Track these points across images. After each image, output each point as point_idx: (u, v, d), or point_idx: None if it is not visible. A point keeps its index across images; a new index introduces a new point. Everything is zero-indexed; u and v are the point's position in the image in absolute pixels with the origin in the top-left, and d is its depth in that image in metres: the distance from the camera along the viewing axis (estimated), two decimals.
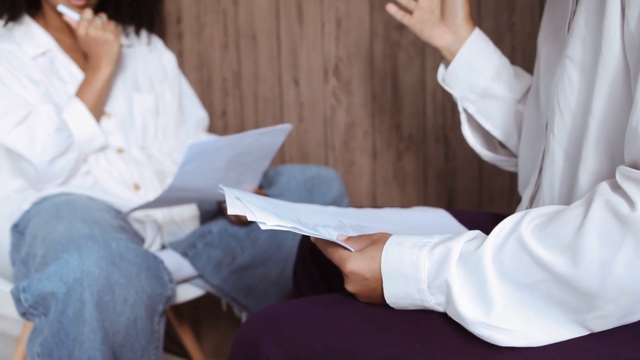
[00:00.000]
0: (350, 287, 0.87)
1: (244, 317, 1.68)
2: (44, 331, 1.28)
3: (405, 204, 1.79)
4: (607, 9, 0.79)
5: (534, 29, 1.57)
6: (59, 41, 1.70)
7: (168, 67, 1.85)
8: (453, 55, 1.19)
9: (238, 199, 0.91)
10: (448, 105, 1.69)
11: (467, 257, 0.78)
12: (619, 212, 0.69)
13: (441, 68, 1.23)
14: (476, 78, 1.17)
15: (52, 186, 1.57)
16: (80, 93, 1.61)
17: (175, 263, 1.58)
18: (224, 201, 0.90)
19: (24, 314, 1.31)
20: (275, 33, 1.90)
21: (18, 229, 1.55)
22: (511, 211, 1.18)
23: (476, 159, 1.68)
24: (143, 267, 1.35)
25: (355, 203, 1.85)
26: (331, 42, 1.82)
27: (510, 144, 1.20)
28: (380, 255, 0.84)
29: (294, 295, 1.27)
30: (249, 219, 0.85)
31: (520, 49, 1.59)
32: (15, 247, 1.55)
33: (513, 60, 1.59)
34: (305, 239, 1.25)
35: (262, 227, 0.84)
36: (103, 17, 1.67)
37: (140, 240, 1.60)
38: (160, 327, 1.40)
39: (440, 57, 1.66)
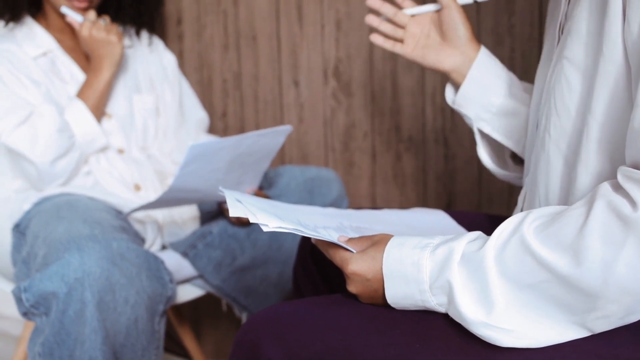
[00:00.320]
0: (352, 288, 0.87)
1: (244, 317, 1.68)
2: (45, 331, 1.28)
3: (404, 205, 1.79)
4: (608, 10, 0.79)
5: (533, 30, 1.58)
6: (60, 42, 1.70)
7: (168, 67, 1.86)
8: (463, 76, 1.16)
9: (239, 201, 0.91)
10: (447, 107, 1.69)
11: (469, 257, 0.78)
12: (621, 213, 0.69)
13: (449, 90, 1.20)
14: (489, 97, 1.15)
15: (53, 187, 1.58)
16: (81, 94, 1.61)
17: (176, 263, 1.59)
18: (225, 202, 0.91)
19: (25, 314, 1.31)
20: (276, 34, 1.90)
21: (19, 229, 1.55)
22: (510, 213, 1.18)
23: (475, 160, 1.68)
24: (144, 267, 1.35)
25: (355, 204, 1.85)
26: (331, 43, 1.83)
27: None
28: (382, 256, 0.84)
29: (294, 296, 1.28)
30: (251, 221, 0.85)
31: (519, 51, 1.59)
32: (17, 247, 1.55)
33: (513, 62, 1.60)
34: (305, 240, 1.25)
35: (264, 229, 0.84)
36: (107, 19, 1.67)
37: (141, 240, 1.60)
38: (160, 327, 1.40)
39: None
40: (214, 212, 1.74)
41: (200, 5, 2.00)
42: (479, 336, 0.77)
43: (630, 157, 0.73)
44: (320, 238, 0.88)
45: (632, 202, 0.69)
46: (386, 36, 1.24)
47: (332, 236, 0.91)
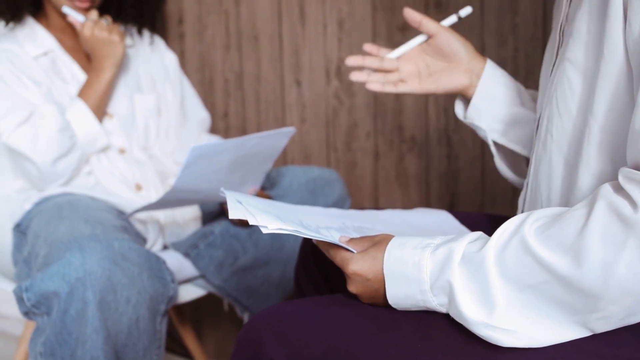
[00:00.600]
0: (352, 288, 0.87)
1: (245, 317, 1.68)
2: (47, 330, 1.28)
3: (407, 205, 1.79)
4: (609, 12, 0.79)
5: (537, 30, 1.57)
6: (61, 42, 1.70)
7: (170, 67, 1.86)
8: (472, 90, 1.15)
9: (239, 202, 0.91)
10: (450, 107, 1.69)
11: (469, 258, 0.78)
12: (621, 214, 0.69)
13: (458, 106, 1.19)
14: (500, 107, 1.14)
15: (54, 186, 1.58)
16: (83, 94, 1.61)
17: (178, 263, 1.59)
18: (226, 202, 0.91)
19: (26, 314, 1.31)
20: (278, 34, 1.90)
21: (20, 229, 1.55)
22: (513, 213, 1.18)
23: (479, 161, 1.68)
24: (145, 267, 1.35)
25: (358, 204, 1.85)
26: (333, 43, 1.83)
27: None
28: (383, 257, 0.84)
29: (296, 296, 1.28)
30: (251, 222, 0.85)
31: (523, 51, 1.59)
32: (18, 246, 1.55)
33: (516, 62, 1.60)
34: (306, 240, 1.25)
35: (264, 230, 0.84)
36: (109, 19, 1.67)
37: (143, 240, 1.60)
38: (162, 327, 1.40)
39: None
40: (216, 212, 1.74)
41: (202, 5, 2.00)
42: (480, 336, 0.77)
43: (631, 158, 0.73)
44: (321, 239, 0.87)
45: (633, 203, 0.69)
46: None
47: (333, 236, 0.91)
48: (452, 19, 1.16)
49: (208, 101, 2.03)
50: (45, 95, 1.58)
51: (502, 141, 1.15)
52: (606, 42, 0.79)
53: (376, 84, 1.16)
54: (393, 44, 1.72)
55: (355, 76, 1.17)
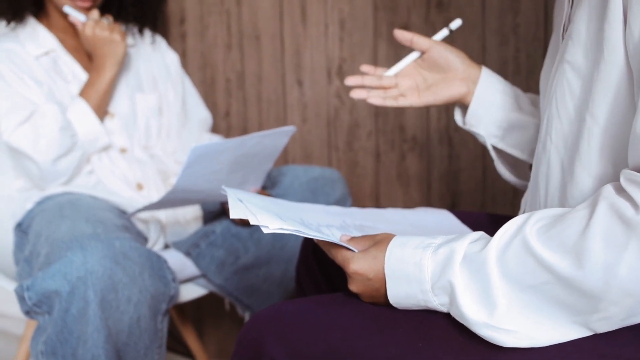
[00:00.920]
0: (353, 287, 0.87)
1: (247, 316, 1.68)
2: (48, 329, 1.28)
3: (408, 205, 1.79)
4: (608, 14, 0.78)
5: (538, 30, 1.57)
6: (63, 41, 1.70)
7: (171, 66, 1.86)
8: (470, 97, 1.16)
9: (240, 200, 0.91)
10: (451, 107, 1.69)
11: (471, 258, 0.78)
12: (623, 215, 0.69)
13: (457, 113, 1.20)
14: (498, 113, 1.15)
15: (55, 186, 1.58)
16: (84, 93, 1.61)
17: (179, 262, 1.59)
18: (227, 201, 0.91)
19: (27, 313, 1.31)
20: (279, 34, 1.90)
21: (21, 228, 1.55)
22: (514, 213, 1.18)
23: (480, 160, 1.68)
24: (146, 266, 1.35)
25: (359, 204, 1.85)
26: (335, 42, 1.83)
27: None
28: (384, 256, 0.84)
29: (297, 295, 1.28)
30: (252, 222, 0.85)
31: (524, 51, 1.59)
32: (19, 246, 1.55)
33: (517, 62, 1.60)
34: (308, 239, 1.25)
35: (265, 230, 0.84)
36: (110, 18, 1.67)
37: (144, 239, 1.60)
38: (163, 326, 1.40)
39: None
40: (217, 211, 1.74)
41: (204, 5, 2.00)
42: (481, 336, 0.77)
43: (632, 161, 0.73)
44: (322, 238, 0.87)
45: (634, 204, 0.69)
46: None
47: (334, 235, 0.91)
48: (444, 32, 1.18)
49: (209, 101, 2.03)
50: (46, 94, 1.59)
51: (501, 146, 1.17)
52: (606, 45, 0.79)
53: (377, 98, 1.18)
54: (394, 44, 1.72)
55: (356, 93, 1.18)
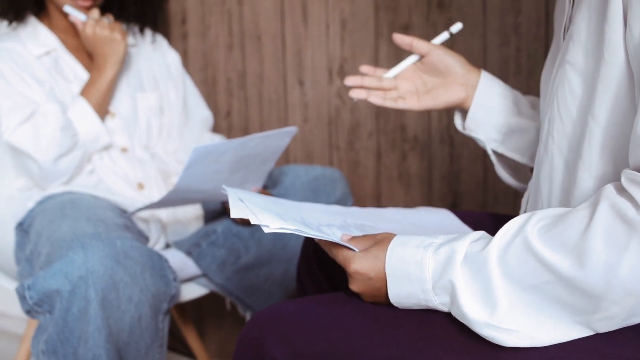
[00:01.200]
0: (354, 286, 0.87)
1: (247, 316, 1.68)
2: (49, 329, 1.28)
3: (409, 204, 1.79)
4: (608, 15, 0.78)
5: (539, 30, 1.57)
6: (64, 41, 1.70)
7: (172, 66, 1.86)
8: (470, 102, 1.16)
9: (241, 200, 0.91)
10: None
11: (472, 257, 0.78)
12: (625, 215, 0.69)
13: (457, 117, 1.21)
14: (498, 118, 1.15)
15: (56, 185, 1.58)
16: (85, 92, 1.61)
17: (180, 262, 1.59)
18: (228, 200, 0.91)
19: (28, 312, 1.31)
20: (280, 33, 1.90)
21: (22, 228, 1.56)
22: (515, 213, 1.18)
23: (481, 160, 1.68)
24: (147, 265, 1.35)
25: (360, 203, 1.85)
26: (336, 42, 1.83)
27: None
28: (385, 255, 0.84)
29: (298, 295, 1.28)
30: (252, 222, 0.85)
31: (525, 51, 1.59)
32: (20, 245, 1.55)
33: (519, 62, 1.60)
34: (309, 239, 1.25)
35: (266, 230, 0.84)
36: (110, 17, 1.67)
37: (145, 239, 1.60)
38: (164, 325, 1.40)
39: None
40: (218, 211, 1.74)
41: (205, 5, 2.01)
42: (482, 336, 0.77)
43: (633, 161, 0.73)
44: (323, 238, 0.87)
45: (635, 204, 0.69)
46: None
47: (335, 235, 0.91)
48: (444, 35, 1.18)
49: (211, 100, 2.04)
50: (47, 94, 1.59)
51: (501, 150, 1.17)
52: (606, 46, 0.79)
53: (377, 97, 1.18)
54: (395, 44, 1.72)
55: (355, 93, 1.18)
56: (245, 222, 1.62)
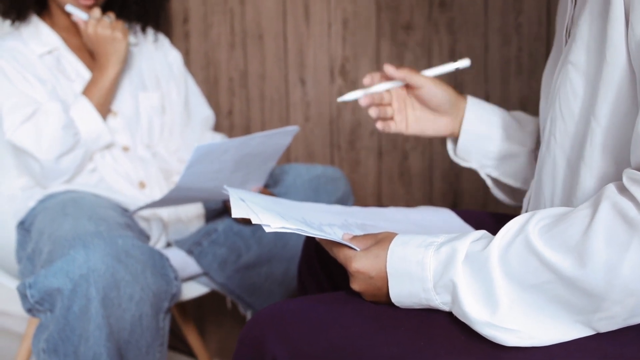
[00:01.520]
0: (355, 285, 0.87)
1: (248, 315, 1.68)
2: (50, 327, 1.28)
3: (410, 204, 1.79)
4: (610, 15, 0.78)
5: (540, 30, 1.57)
6: (66, 40, 1.70)
7: (174, 65, 1.86)
8: (458, 132, 1.19)
9: (242, 200, 0.91)
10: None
11: (473, 257, 0.78)
12: (626, 215, 0.69)
13: (449, 145, 1.22)
14: (487, 145, 1.17)
15: (58, 184, 1.58)
16: (87, 91, 1.62)
17: (181, 261, 1.59)
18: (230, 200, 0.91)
19: (29, 310, 1.32)
20: (282, 33, 1.90)
21: (24, 226, 1.56)
22: (516, 212, 1.18)
23: None
24: (149, 264, 1.36)
25: (361, 203, 1.85)
26: (338, 42, 1.83)
27: None
28: (386, 254, 0.84)
29: (299, 294, 1.28)
30: (254, 221, 0.85)
31: (526, 50, 1.59)
32: (21, 244, 1.55)
33: (520, 62, 1.60)
34: (309, 238, 1.25)
35: (267, 229, 0.84)
36: (111, 16, 1.67)
37: (146, 237, 1.60)
38: (165, 324, 1.41)
39: (448, 56, 1.66)
40: (219, 209, 1.75)
41: (207, 4, 2.01)
42: (483, 335, 0.77)
43: (635, 160, 0.73)
44: (324, 237, 0.87)
45: (637, 204, 0.69)
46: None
47: (336, 234, 0.91)
48: (449, 68, 1.19)
49: (212, 99, 2.04)
50: (49, 93, 1.59)
51: (495, 175, 1.19)
52: (608, 46, 0.79)
53: (379, 123, 1.20)
54: (397, 43, 1.72)
55: (379, 125, 1.20)
56: (246, 221, 1.62)
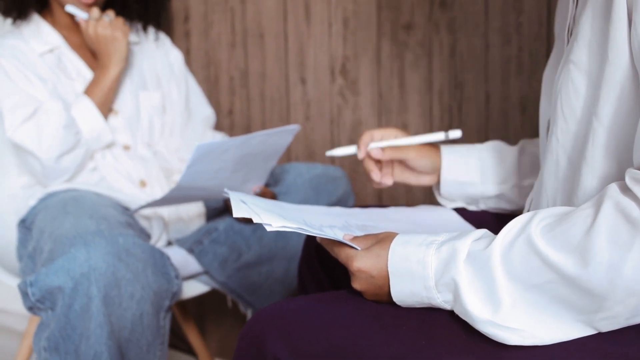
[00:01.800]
0: (356, 285, 0.87)
1: (249, 314, 1.68)
2: (51, 325, 1.28)
3: (411, 203, 1.79)
4: (613, 15, 0.78)
5: (541, 29, 1.57)
6: (67, 39, 1.70)
7: (175, 64, 1.86)
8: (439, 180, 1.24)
9: (243, 202, 0.91)
10: (454, 105, 1.69)
11: (475, 255, 0.78)
12: (629, 215, 0.69)
13: (434, 189, 1.27)
14: (468, 190, 1.22)
15: (59, 182, 1.58)
16: (88, 91, 1.62)
17: (182, 259, 1.59)
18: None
19: (30, 308, 1.32)
20: (283, 32, 1.90)
21: (25, 225, 1.56)
22: (517, 212, 1.18)
23: None
24: (149, 262, 1.36)
25: (361, 202, 1.85)
26: (338, 41, 1.83)
27: None
28: (387, 254, 0.84)
29: (299, 293, 1.28)
30: (255, 221, 0.85)
31: (527, 50, 1.59)
32: (23, 242, 1.56)
33: (520, 61, 1.60)
34: (310, 238, 1.25)
35: (268, 228, 0.84)
36: (111, 14, 1.67)
37: (147, 236, 1.60)
38: (166, 322, 1.41)
39: (448, 55, 1.66)
40: (220, 208, 1.75)
41: (208, 3, 2.01)
42: (485, 334, 0.77)
43: (638, 160, 0.73)
44: (325, 236, 0.88)
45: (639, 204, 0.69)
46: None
47: (337, 235, 0.91)
48: (439, 136, 1.23)
49: (213, 99, 2.04)
50: (50, 91, 1.59)
51: (483, 207, 1.23)
52: (610, 45, 0.79)
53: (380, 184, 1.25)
54: (397, 43, 1.72)
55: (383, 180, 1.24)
56: (247, 220, 1.62)
